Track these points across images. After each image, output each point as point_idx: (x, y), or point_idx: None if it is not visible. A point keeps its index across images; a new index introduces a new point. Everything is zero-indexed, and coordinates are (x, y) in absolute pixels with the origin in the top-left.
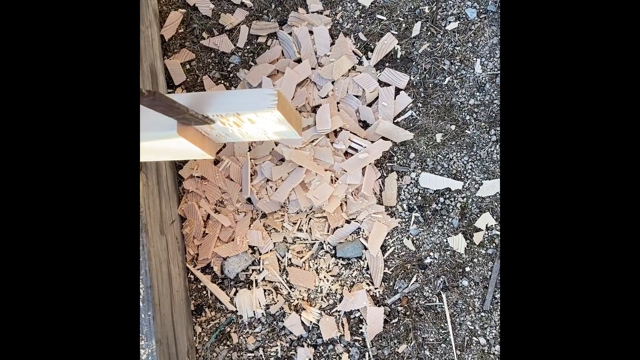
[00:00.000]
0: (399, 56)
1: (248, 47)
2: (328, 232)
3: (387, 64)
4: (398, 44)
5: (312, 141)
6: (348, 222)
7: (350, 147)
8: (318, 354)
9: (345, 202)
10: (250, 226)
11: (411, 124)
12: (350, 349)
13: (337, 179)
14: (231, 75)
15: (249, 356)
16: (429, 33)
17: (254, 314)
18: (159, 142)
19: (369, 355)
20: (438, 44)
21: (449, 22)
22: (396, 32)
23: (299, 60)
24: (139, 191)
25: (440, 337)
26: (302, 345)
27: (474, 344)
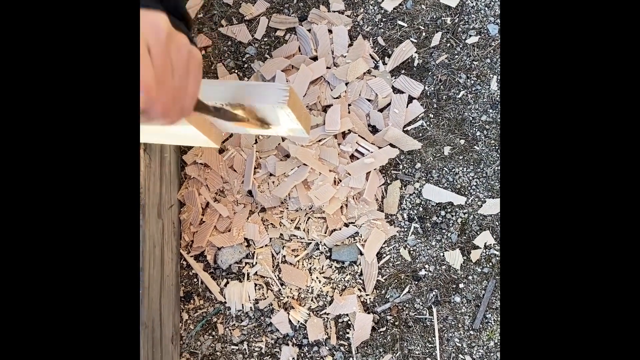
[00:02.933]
0: (415, 65)
1: (265, 39)
2: (325, 233)
3: (402, 71)
4: (416, 52)
5: (320, 140)
6: (346, 225)
7: (357, 150)
8: (302, 354)
9: (346, 205)
10: (248, 219)
11: (420, 134)
12: (334, 352)
13: (340, 181)
14: (245, 65)
15: (233, 349)
16: (448, 44)
17: (243, 307)
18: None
19: None
20: (456, 56)
21: (470, 35)
22: (415, 40)
23: (315, 58)
24: (139, 183)
25: (427, 350)
26: (287, 344)
27: None
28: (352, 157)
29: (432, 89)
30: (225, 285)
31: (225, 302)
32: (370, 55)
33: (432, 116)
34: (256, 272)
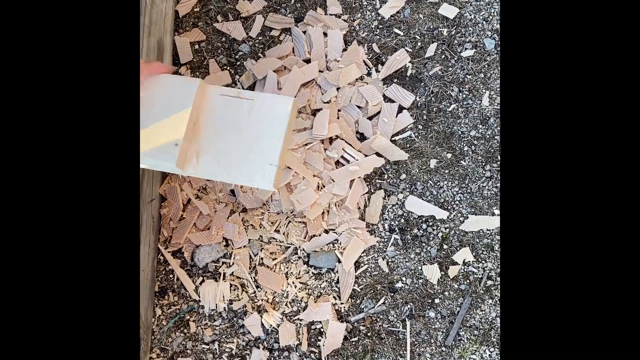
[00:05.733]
0: (408, 74)
1: (260, 38)
2: (305, 238)
3: (395, 80)
4: (410, 61)
5: (306, 144)
6: (327, 232)
7: (342, 157)
8: (272, 359)
9: (328, 212)
10: (228, 218)
11: (408, 145)
12: (304, 359)
13: (324, 186)
14: (238, 63)
15: (204, 348)
16: (443, 56)
17: (216, 307)
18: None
19: None
20: (450, 69)
21: (466, 48)
22: (410, 50)
23: (308, 61)
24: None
25: None
26: (258, 347)
27: None
28: (337, 163)
29: (423, 100)
30: (201, 283)
31: (200, 301)
32: (364, 61)
33: (421, 127)
34: (232, 272)
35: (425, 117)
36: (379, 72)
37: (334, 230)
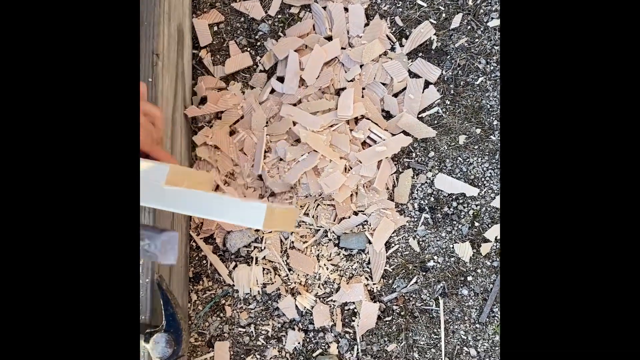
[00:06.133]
0: (433, 47)
1: (279, 16)
2: (334, 220)
3: (420, 54)
4: (435, 34)
5: (331, 126)
6: (356, 213)
7: (369, 137)
8: (308, 339)
9: (356, 193)
10: None
11: (435, 121)
12: (340, 339)
13: (351, 168)
14: (258, 44)
15: (240, 331)
16: (469, 27)
17: (250, 291)
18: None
19: (358, 349)
20: (477, 40)
21: (492, 18)
22: (435, 22)
23: (329, 38)
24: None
25: (432, 342)
26: (294, 329)
27: (464, 354)
28: (364, 144)
29: (450, 73)
30: (234, 268)
31: (234, 285)
32: (387, 36)
33: (448, 103)
34: (264, 256)
35: (452, 92)
36: (403, 46)
37: (363, 211)
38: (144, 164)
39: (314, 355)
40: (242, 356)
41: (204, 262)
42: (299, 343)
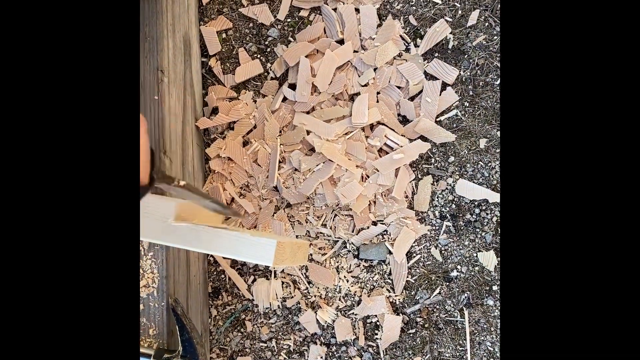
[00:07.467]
0: (450, 47)
1: (289, 20)
2: (353, 231)
3: (436, 54)
4: (451, 32)
5: (346, 134)
6: (375, 223)
7: (385, 144)
8: (330, 354)
9: (374, 203)
10: (274, 215)
11: (454, 125)
12: (363, 353)
13: (368, 177)
14: (268, 49)
15: (262, 346)
16: (486, 24)
17: (270, 305)
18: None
19: None
20: (495, 37)
21: None
22: (450, 19)
23: (341, 41)
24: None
25: (457, 354)
26: (316, 343)
27: None
28: (380, 151)
29: (468, 74)
30: (253, 282)
31: (253, 299)
32: (401, 36)
33: (467, 105)
34: (283, 270)
35: (471, 93)
36: (418, 47)
37: (382, 221)
38: (151, 200)
39: None
40: None
41: (222, 276)
42: (321, 357)
